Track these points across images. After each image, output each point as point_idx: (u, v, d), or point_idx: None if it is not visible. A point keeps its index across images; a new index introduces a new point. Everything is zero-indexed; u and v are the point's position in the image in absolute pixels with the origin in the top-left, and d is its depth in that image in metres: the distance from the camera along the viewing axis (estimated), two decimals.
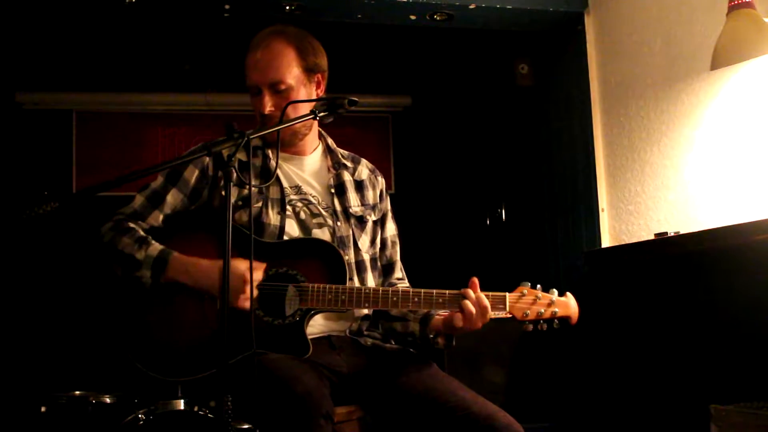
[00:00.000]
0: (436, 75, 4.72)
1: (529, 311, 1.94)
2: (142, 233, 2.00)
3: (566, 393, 3.31)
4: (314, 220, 2.10)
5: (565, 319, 1.96)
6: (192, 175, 2.07)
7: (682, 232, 2.77)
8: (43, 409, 2.55)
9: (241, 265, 1.84)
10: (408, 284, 2.29)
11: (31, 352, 4.04)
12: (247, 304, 1.84)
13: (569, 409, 3.30)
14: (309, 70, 2.12)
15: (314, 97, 2.14)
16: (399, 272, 2.29)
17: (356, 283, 2.10)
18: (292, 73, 2.08)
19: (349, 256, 2.11)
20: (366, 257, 2.16)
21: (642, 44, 3.11)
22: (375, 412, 2.04)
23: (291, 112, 2.02)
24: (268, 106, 2.06)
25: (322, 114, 1.88)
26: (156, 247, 1.96)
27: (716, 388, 2.50)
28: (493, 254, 4.18)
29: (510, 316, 1.96)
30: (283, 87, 2.07)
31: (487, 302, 1.92)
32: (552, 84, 3.67)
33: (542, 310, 1.94)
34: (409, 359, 2.06)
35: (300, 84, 2.10)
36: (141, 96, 4.62)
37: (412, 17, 3.33)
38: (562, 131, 3.58)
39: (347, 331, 2.11)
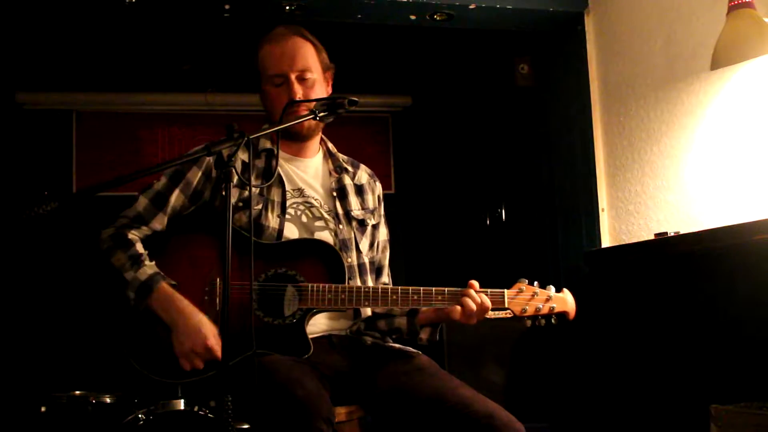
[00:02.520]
0: (436, 75, 4.72)
1: (527, 307, 1.96)
2: (138, 249, 1.99)
3: (565, 393, 3.31)
4: (317, 223, 2.11)
5: (562, 315, 1.99)
6: (195, 176, 2.07)
7: (682, 232, 2.77)
8: (43, 409, 2.55)
9: (205, 328, 1.88)
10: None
11: (31, 352, 4.04)
12: (186, 365, 1.90)
13: (568, 409, 3.30)
14: (324, 67, 2.18)
15: (326, 94, 2.17)
16: (386, 277, 2.30)
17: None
18: (316, 66, 2.14)
19: (352, 259, 2.11)
20: (366, 260, 2.17)
21: (642, 44, 3.11)
22: (375, 411, 2.04)
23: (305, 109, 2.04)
24: (300, 92, 2.08)
25: (322, 114, 1.88)
26: (146, 270, 1.95)
27: (716, 388, 2.50)
28: (493, 254, 4.18)
29: (510, 314, 1.98)
30: (309, 76, 2.11)
31: (488, 301, 1.93)
32: (552, 84, 3.67)
33: (540, 306, 1.97)
34: (409, 358, 2.06)
35: (321, 77, 2.15)
36: (141, 96, 4.62)
37: (412, 17, 3.33)
38: (562, 131, 3.58)
39: (348, 331, 2.11)
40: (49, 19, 3.76)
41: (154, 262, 1.98)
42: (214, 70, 4.53)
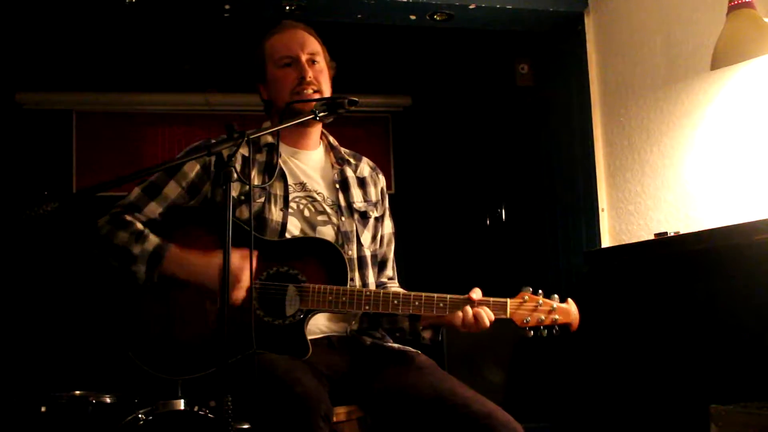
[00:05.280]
0: (436, 75, 4.72)
1: (529, 318, 1.94)
2: (139, 227, 1.99)
3: (565, 393, 3.31)
4: (319, 217, 2.11)
5: (565, 326, 1.96)
6: (192, 169, 2.06)
7: (682, 232, 2.77)
8: (43, 409, 2.55)
9: (235, 257, 1.84)
10: (398, 284, 2.30)
11: (31, 352, 4.04)
12: (241, 296, 1.85)
13: (568, 409, 3.30)
14: (328, 63, 2.21)
15: (330, 86, 2.19)
16: (390, 271, 2.30)
17: (357, 278, 2.10)
18: (324, 55, 2.19)
19: (352, 251, 2.11)
20: (367, 253, 2.16)
21: (642, 44, 3.11)
22: (374, 411, 2.04)
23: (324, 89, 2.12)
24: (311, 72, 2.10)
25: (322, 114, 1.88)
26: (153, 241, 1.95)
27: (716, 388, 2.50)
28: (494, 254, 4.18)
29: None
30: (319, 59, 2.15)
31: (490, 315, 1.93)
32: (552, 84, 3.67)
33: (543, 317, 1.94)
34: (408, 358, 2.06)
35: (327, 67, 2.18)
36: (141, 96, 4.62)
37: (412, 17, 3.33)
38: (562, 131, 3.58)
39: (347, 331, 2.11)
40: (49, 19, 3.77)
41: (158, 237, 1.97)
42: (214, 70, 4.53)
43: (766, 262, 2.34)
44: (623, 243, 3.19)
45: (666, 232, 2.79)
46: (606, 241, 3.29)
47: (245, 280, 1.85)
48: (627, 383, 2.99)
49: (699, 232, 2.64)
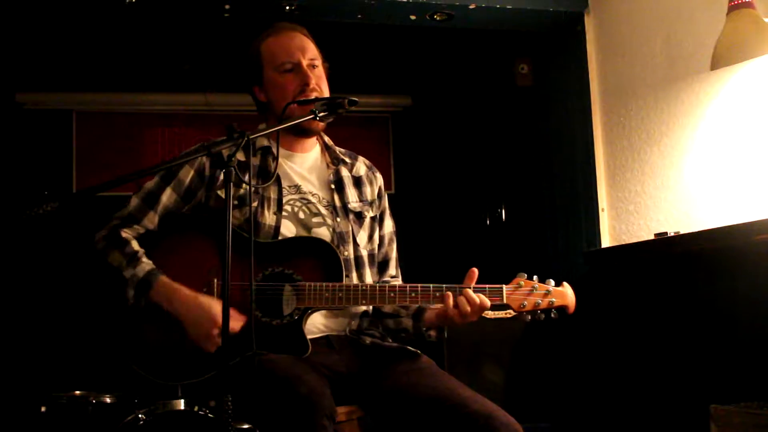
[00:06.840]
0: (436, 75, 4.72)
1: (526, 302, 1.96)
2: (134, 247, 1.99)
3: (565, 393, 3.31)
4: (314, 219, 2.10)
5: (562, 309, 1.97)
6: (187, 175, 2.07)
7: (682, 232, 2.77)
8: (43, 409, 2.55)
9: (215, 307, 1.86)
10: (401, 282, 2.29)
11: (31, 352, 4.04)
12: (212, 347, 1.87)
13: (568, 409, 3.29)
14: (324, 67, 2.20)
15: (328, 88, 2.18)
16: (394, 270, 2.30)
17: (354, 279, 2.10)
18: (321, 58, 2.19)
19: (348, 252, 2.11)
20: (364, 253, 2.16)
21: (642, 44, 3.11)
22: (374, 411, 2.04)
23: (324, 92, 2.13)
24: (314, 79, 2.10)
25: (322, 114, 1.88)
26: (144, 267, 1.95)
27: (716, 388, 2.50)
28: (493, 254, 4.18)
29: (510, 314, 1.98)
30: (318, 64, 2.15)
31: (484, 300, 1.93)
32: (552, 84, 3.67)
33: (539, 301, 1.96)
34: (408, 357, 2.06)
35: (325, 71, 2.19)
36: (141, 96, 4.62)
37: (412, 17, 3.33)
38: (562, 131, 3.58)
39: (346, 331, 2.11)
40: (49, 19, 3.76)
41: (150, 261, 1.98)
42: (214, 70, 4.53)
43: (766, 262, 2.34)
44: (623, 243, 3.19)
45: (666, 232, 2.79)
46: (606, 241, 3.29)
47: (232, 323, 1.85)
48: (627, 383, 2.99)
49: (699, 232, 2.64)
